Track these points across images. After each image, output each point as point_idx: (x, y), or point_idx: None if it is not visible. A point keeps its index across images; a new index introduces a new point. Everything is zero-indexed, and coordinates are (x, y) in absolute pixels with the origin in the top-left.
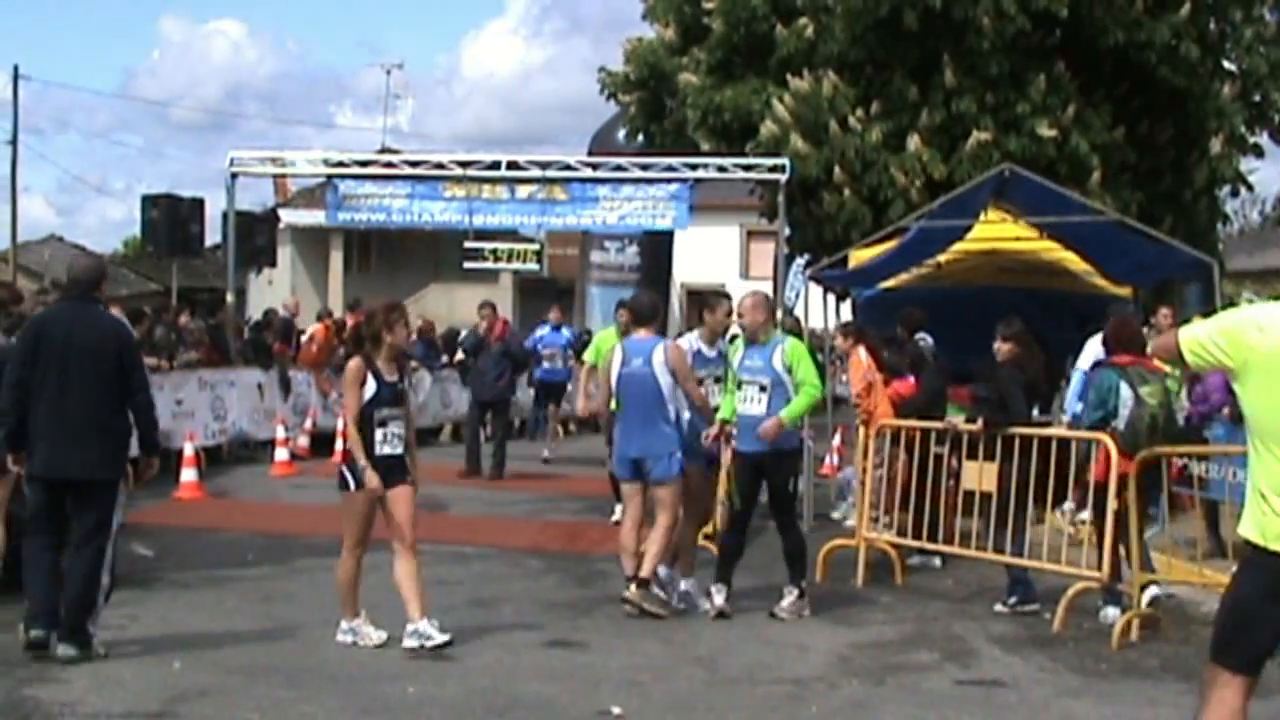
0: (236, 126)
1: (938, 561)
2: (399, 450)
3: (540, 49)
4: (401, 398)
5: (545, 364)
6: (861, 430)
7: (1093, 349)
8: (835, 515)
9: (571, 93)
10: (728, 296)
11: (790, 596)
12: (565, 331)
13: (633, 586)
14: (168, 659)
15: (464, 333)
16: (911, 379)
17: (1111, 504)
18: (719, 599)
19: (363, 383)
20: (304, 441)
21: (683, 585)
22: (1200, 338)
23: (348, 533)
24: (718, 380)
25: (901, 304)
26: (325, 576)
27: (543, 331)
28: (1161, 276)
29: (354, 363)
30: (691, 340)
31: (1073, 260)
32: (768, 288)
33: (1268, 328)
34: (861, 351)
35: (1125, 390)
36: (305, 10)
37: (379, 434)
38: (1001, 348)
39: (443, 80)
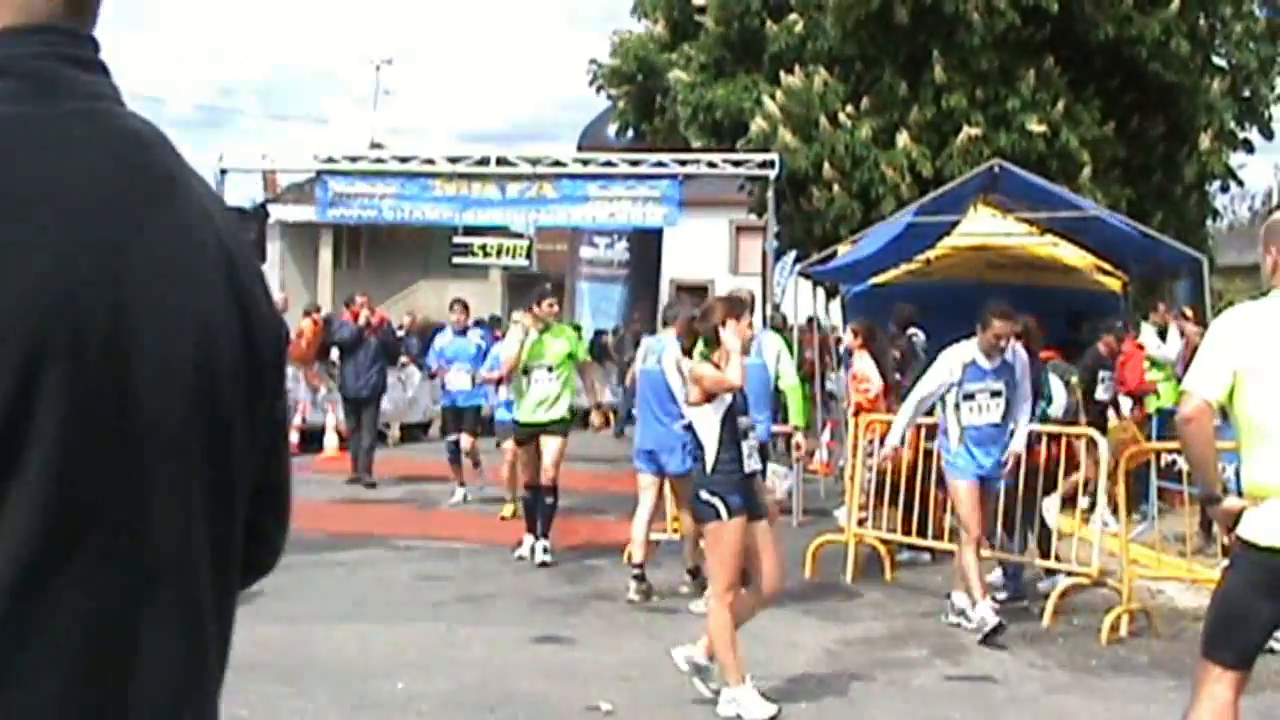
0: (229, 122)
1: (927, 557)
2: (759, 467)
3: (533, 44)
4: (745, 406)
5: (450, 384)
6: (852, 424)
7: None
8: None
9: (566, 87)
10: (1002, 316)
11: None
12: (475, 336)
13: (632, 582)
14: None
15: (335, 324)
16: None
17: (1105, 498)
18: None
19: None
20: (293, 437)
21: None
22: (1214, 384)
23: (719, 574)
24: (995, 395)
25: (891, 300)
26: (315, 573)
27: (442, 342)
28: (1152, 265)
29: (703, 368)
30: (967, 350)
31: (1064, 255)
32: (756, 283)
33: (1254, 327)
34: (867, 358)
35: (1055, 381)
36: (300, 5)
37: (744, 448)
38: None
39: (436, 75)
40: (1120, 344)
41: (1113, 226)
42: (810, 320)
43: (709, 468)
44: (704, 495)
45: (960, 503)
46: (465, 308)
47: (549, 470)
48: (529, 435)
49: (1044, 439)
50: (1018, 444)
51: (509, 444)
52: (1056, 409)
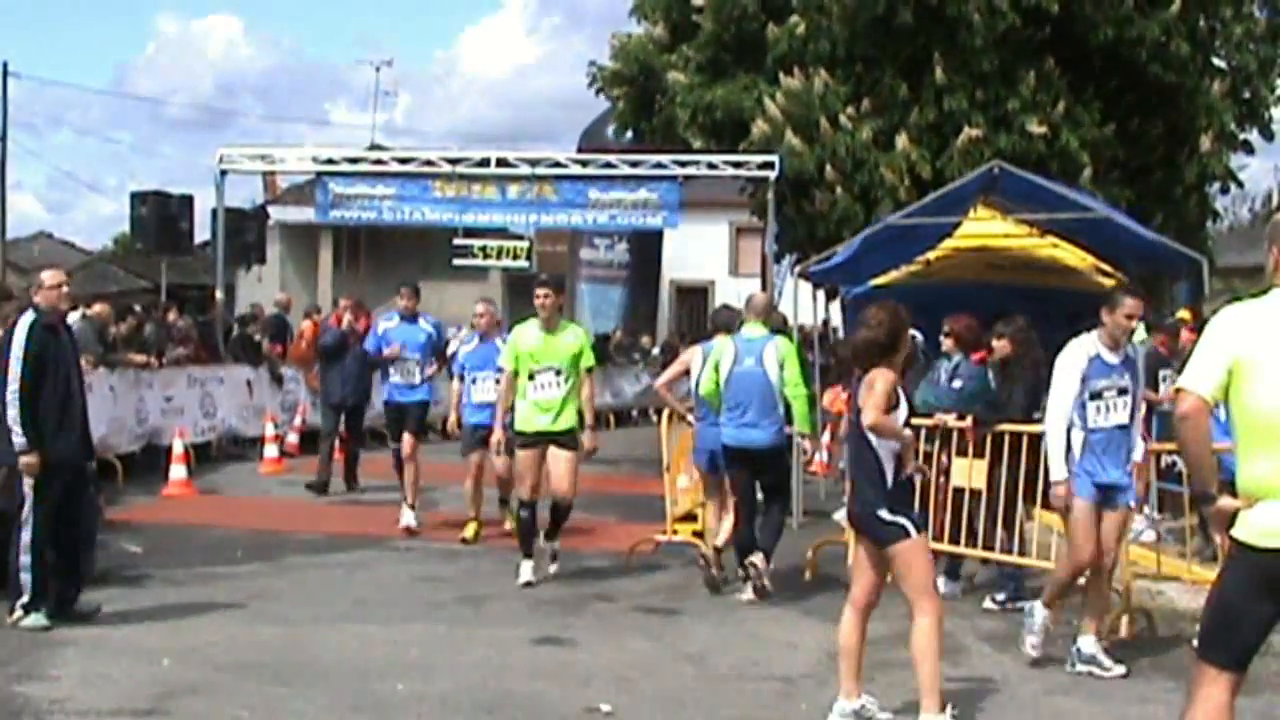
0: (230, 123)
1: None
2: None
3: (537, 44)
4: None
5: (394, 376)
6: None
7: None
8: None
9: (568, 88)
10: (1133, 292)
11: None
12: (424, 325)
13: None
14: (157, 656)
15: (320, 328)
16: None
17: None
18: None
19: (896, 404)
20: (293, 438)
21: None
22: (1211, 381)
23: (926, 592)
24: (1122, 392)
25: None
26: (314, 574)
27: (389, 324)
28: (1152, 264)
29: (888, 376)
30: (1088, 343)
31: (1064, 256)
32: (756, 285)
33: (1251, 324)
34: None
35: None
36: (301, 5)
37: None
38: (1000, 345)
39: (439, 76)
40: (1177, 340)
41: (1112, 228)
42: (807, 324)
43: (889, 485)
44: (886, 515)
45: (1075, 525)
46: (415, 293)
47: (566, 492)
48: (531, 445)
49: (1043, 439)
50: (1139, 452)
51: (475, 456)
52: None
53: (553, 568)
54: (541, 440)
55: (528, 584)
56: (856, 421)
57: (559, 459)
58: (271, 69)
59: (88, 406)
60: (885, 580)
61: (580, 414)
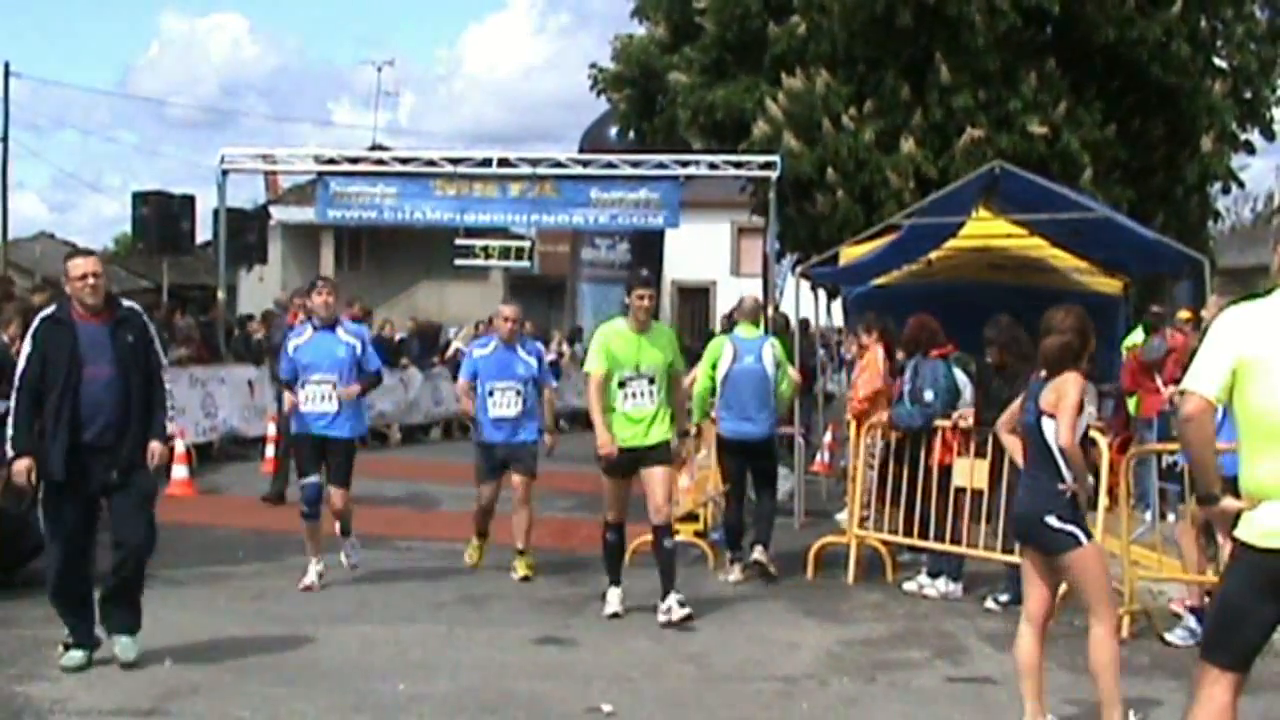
0: (233, 123)
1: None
2: None
3: (541, 44)
4: None
5: (304, 403)
6: (853, 427)
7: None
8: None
9: (571, 88)
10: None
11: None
12: (345, 336)
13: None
14: (159, 656)
15: (273, 325)
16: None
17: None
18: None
19: (1082, 409)
20: None
21: None
22: (1215, 381)
23: (1104, 600)
24: None
25: (893, 301)
26: None
27: (299, 340)
28: (1152, 267)
29: (1080, 382)
30: None
31: (1060, 257)
32: (758, 285)
33: (1255, 324)
34: (880, 352)
35: (961, 376)
36: (304, 5)
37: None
38: (993, 353)
39: (443, 76)
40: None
41: (1113, 228)
42: (803, 323)
43: (1061, 490)
44: (1055, 522)
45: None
46: (334, 289)
47: (663, 508)
48: (619, 463)
49: None
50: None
51: (488, 489)
52: (966, 401)
53: (678, 611)
54: (632, 457)
55: (614, 615)
56: (1036, 423)
57: (654, 477)
58: (275, 69)
59: (131, 406)
60: (1058, 590)
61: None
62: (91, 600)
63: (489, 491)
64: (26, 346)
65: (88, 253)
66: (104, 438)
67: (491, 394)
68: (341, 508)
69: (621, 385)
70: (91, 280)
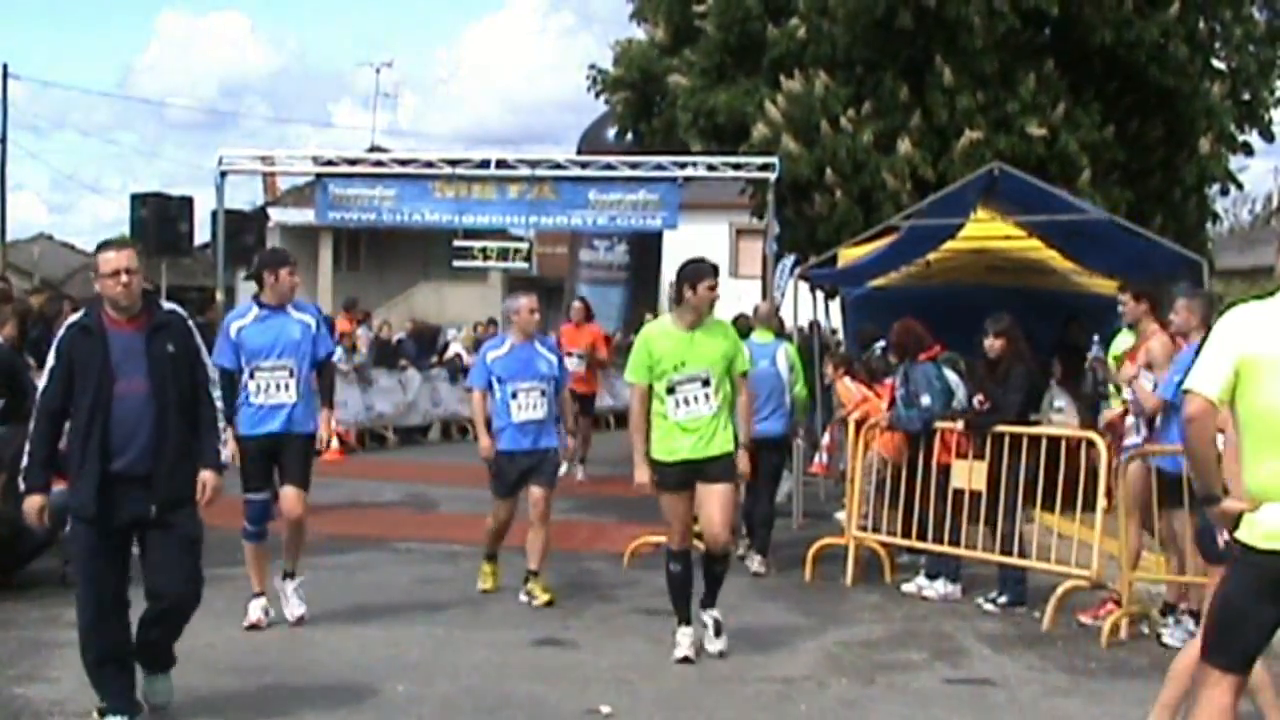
0: (233, 124)
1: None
2: None
3: (541, 46)
4: None
5: (254, 395)
6: (851, 429)
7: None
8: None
9: (571, 90)
10: None
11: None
12: (297, 314)
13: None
14: None
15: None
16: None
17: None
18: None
19: None
20: None
21: None
22: (1217, 382)
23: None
24: None
25: (891, 303)
26: (314, 575)
27: (242, 322)
28: (1150, 273)
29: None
30: None
31: (1058, 259)
32: (756, 286)
33: (1258, 326)
34: (847, 381)
35: (952, 376)
36: (304, 6)
37: None
38: (994, 344)
39: (443, 77)
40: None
41: (1110, 230)
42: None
43: None
44: (1217, 530)
45: None
46: (284, 262)
47: (720, 536)
48: (675, 480)
49: (1043, 440)
50: None
51: (505, 506)
52: (960, 400)
53: (719, 643)
54: (689, 472)
55: (685, 659)
56: None
57: (712, 496)
58: (275, 70)
59: (169, 429)
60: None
61: (736, 433)
62: (131, 661)
63: (506, 511)
64: (51, 361)
65: (122, 244)
66: (138, 466)
67: (515, 395)
68: (300, 515)
69: (671, 391)
70: (125, 278)
